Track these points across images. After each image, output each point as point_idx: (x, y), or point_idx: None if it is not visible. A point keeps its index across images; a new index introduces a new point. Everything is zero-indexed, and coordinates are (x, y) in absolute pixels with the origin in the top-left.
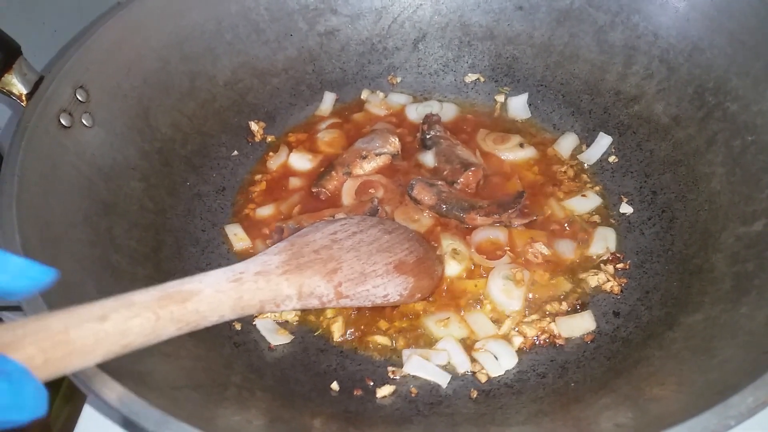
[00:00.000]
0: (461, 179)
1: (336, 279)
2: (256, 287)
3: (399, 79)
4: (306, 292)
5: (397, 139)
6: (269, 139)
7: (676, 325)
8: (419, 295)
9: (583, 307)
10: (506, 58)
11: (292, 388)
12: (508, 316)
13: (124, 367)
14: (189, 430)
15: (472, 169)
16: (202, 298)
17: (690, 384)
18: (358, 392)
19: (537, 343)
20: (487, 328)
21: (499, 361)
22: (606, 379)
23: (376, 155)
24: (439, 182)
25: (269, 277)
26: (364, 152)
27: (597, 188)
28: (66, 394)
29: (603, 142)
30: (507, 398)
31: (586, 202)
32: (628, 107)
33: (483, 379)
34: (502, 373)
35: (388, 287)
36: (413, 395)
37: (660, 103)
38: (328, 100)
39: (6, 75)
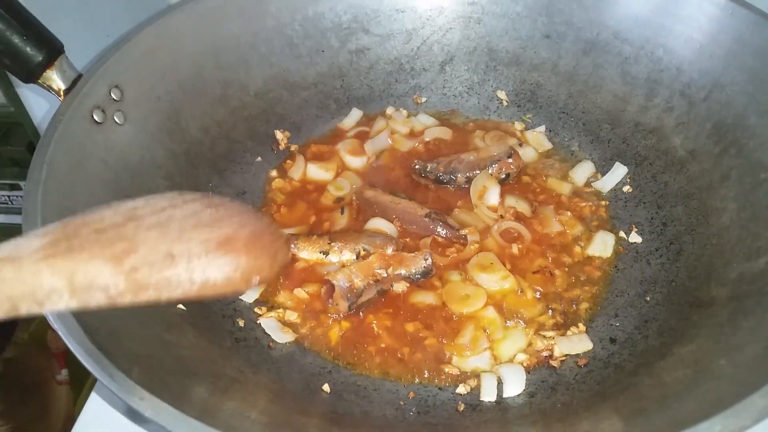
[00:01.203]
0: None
1: (128, 263)
2: (1, 278)
3: (424, 99)
4: (81, 282)
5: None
6: (292, 147)
7: (669, 354)
8: (257, 278)
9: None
10: (530, 84)
11: (285, 385)
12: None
13: (123, 350)
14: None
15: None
16: None
17: (670, 412)
18: (347, 396)
19: (538, 363)
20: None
21: (505, 385)
22: (592, 402)
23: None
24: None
25: (21, 262)
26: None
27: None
28: (92, 386)
29: (618, 171)
30: (492, 413)
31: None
32: (647, 139)
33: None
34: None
35: (208, 269)
36: (401, 404)
37: (678, 136)
38: (354, 115)
39: (47, 71)
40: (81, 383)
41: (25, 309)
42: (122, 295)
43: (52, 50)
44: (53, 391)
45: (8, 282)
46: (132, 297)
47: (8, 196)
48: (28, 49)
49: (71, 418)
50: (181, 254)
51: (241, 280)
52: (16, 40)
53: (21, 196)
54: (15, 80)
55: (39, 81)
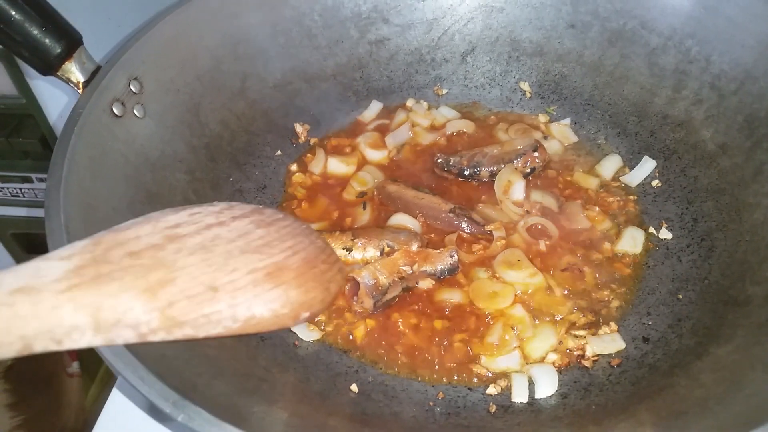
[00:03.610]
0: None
1: (163, 297)
2: (13, 314)
3: (445, 91)
4: (108, 320)
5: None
6: (312, 141)
7: (706, 355)
8: (306, 314)
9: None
10: (554, 75)
11: (312, 385)
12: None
13: (150, 352)
14: (207, 417)
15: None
16: None
17: (713, 415)
18: (375, 396)
19: (569, 363)
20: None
21: (537, 386)
22: (628, 404)
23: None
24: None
25: (40, 296)
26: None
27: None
28: (103, 379)
29: (647, 165)
30: (525, 415)
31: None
32: (675, 132)
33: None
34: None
35: (254, 306)
36: (431, 405)
37: (708, 129)
38: (374, 108)
39: (66, 63)
40: (92, 376)
41: (41, 348)
42: (154, 332)
43: (71, 42)
44: (64, 384)
45: (22, 319)
46: (165, 335)
47: (20, 189)
48: (47, 40)
49: (82, 410)
50: (225, 287)
51: (289, 317)
52: (35, 31)
53: (33, 189)
54: (27, 72)
55: (58, 73)
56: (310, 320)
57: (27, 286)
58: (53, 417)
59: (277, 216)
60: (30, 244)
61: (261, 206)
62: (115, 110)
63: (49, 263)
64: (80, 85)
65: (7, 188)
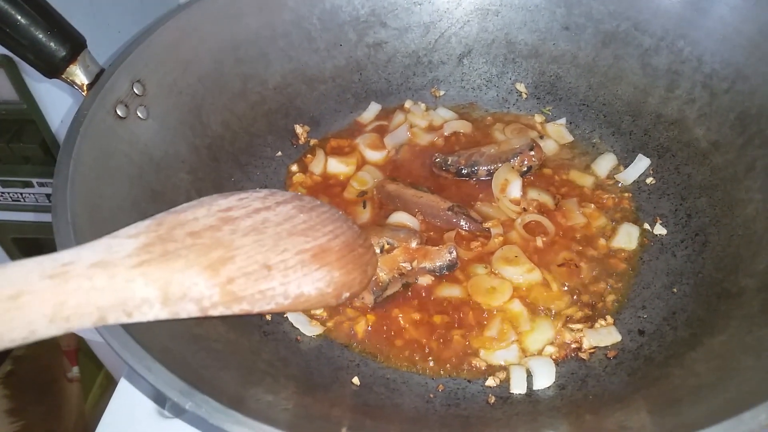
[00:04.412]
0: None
1: (224, 273)
2: (91, 286)
3: (442, 92)
4: (175, 293)
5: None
6: (312, 142)
7: (699, 345)
8: (347, 294)
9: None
10: (550, 76)
11: (314, 378)
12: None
13: (156, 345)
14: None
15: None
16: None
17: (706, 402)
18: (377, 388)
19: (567, 356)
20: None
21: (534, 378)
22: (624, 393)
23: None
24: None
25: (114, 270)
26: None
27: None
28: (103, 384)
29: (641, 163)
30: (524, 406)
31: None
32: (669, 130)
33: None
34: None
35: (303, 284)
36: (431, 397)
37: (701, 127)
38: (373, 109)
39: (71, 66)
40: (91, 381)
41: (113, 319)
42: (215, 306)
43: (76, 45)
44: (64, 389)
45: (99, 291)
46: (224, 309)
47: (21, 194)
48: (52, 44)
49: (82, 416)
50: (277, 266)
51: (332, 296)
52: (40, 35)
53: (34, 194)
54: (28, 77)
55: (62, 76)
56: (350, 300)
57: (103, 260)
58: (53, 422)
59: (315, 202)
60: (31, 248)
61: (299, 193)
62: (118, 112)
63: (119, 240)
64: (84, 88)
65: (8, 193)
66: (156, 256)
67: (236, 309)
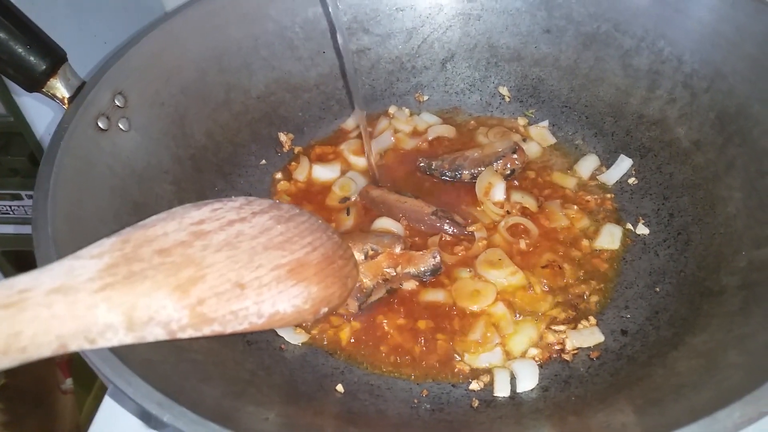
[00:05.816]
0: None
1: (194, 294)
2: (50, 314)
3: (426, 97)
4: (141, 318)
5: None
6: (296, 149)
7: (682, 345)
8: (326, 309)
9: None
10: (532, 80)
11: (298, 387)
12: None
13: (137, 358)
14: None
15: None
16: None
17: (687, 401)
18: (361, 395)
19: (550, 357)
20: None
21: (518, 381)
22: (607, 394)
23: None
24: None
25: (76, 296)
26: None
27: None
28: (97, 395)
29: (624, 164)
30: (507, 409)
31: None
32: (650, 130)
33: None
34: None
35: (278, 302)
36: (415, 402)
37: (682, 127)
38: (356, 116)
39: (51, 79)
40: (86, 392)
41: (75, 347)
42: (184, 329)
43: (56, 58)
44: (58, 401)
45: (59, 319)
46: (194, 331)
47: (9, 206)
48: (31, 58)
49: (77, 427)
50: (251, 284)
51: (310, 312)
52: (19, 49)
53: (22, 206)
54: (14, 90)
55: (43, 90)
56: (328, 315)
57: (63, 286)
58: None
59: (294, 211)
60: (21, 261)
61: (277, 201)
62: (100, 124)
63: (82, 261)
64: (65, 101)
65: None
66: (120, 278)
67: (207, 331)
